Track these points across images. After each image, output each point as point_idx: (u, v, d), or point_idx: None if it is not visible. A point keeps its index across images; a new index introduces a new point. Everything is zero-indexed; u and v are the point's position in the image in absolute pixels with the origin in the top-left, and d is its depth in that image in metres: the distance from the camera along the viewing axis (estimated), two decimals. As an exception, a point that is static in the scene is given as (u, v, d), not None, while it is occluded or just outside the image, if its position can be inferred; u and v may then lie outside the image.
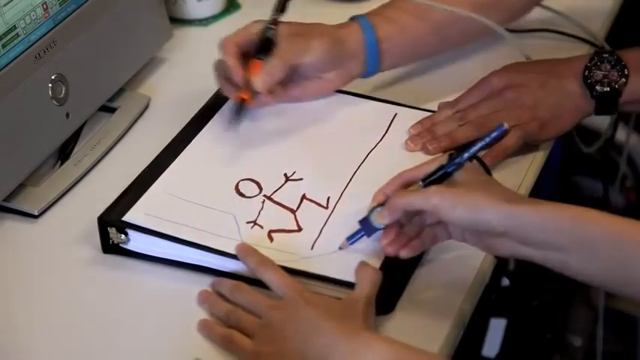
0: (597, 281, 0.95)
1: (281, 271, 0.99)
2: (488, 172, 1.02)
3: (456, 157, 0.98)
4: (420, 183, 0.99)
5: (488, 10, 1.23)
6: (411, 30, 1.22)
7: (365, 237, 1.02)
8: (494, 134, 0.98)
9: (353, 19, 1.22)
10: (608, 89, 1.16)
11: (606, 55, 1.18)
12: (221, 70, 1.18)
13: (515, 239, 0.93)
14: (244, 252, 1.01)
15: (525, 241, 0.92)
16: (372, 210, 1.00)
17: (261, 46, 1.16)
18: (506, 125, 0.98)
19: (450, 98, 1.22)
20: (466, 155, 0.98)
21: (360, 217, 1.02)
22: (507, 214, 0.92)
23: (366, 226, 1.01)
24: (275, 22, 1.17)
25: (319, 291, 0.99)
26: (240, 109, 1.15)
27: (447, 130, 1.17)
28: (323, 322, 0.92)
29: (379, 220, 0.99)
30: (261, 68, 1.15)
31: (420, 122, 1.19)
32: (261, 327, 0.95)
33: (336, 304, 0.96)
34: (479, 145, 0.98)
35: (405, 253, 0.99)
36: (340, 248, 1.03)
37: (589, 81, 1.17)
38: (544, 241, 0.92)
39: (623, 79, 1.16)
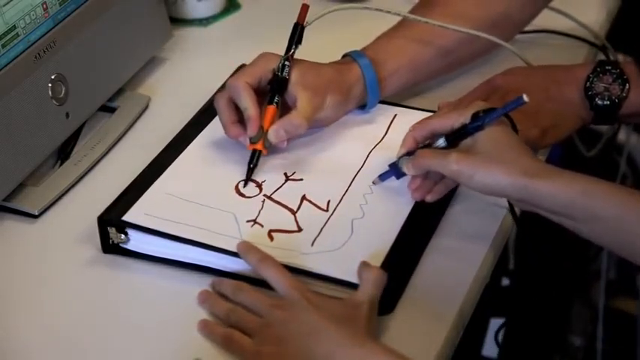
0: (607, 248, 1.03)
1: (282, 269, 0.98)
2: (515, 129, 1.04)
3: (478, 119, 1.01)
4: (443, 139, 1.04)
5: (493, 28, 1.23)
6: (414, 61, 1.21)
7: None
8: (512, 105, 1.01)
9: (353, 57, 1.19)
10: (608, 103, 1.17)
11: (609, 67, 1.17)
12: (228, 110, 1.13)
13: (530, 205, 0.99)
14: (245, 249, 1.01)
15: (540, 208, 0.99)
16: (401, 157, 1.07)
17: (275, 87, 1.13)
18: (525, 97, 1.00)
19: (450, 99, 1.22)
20: (487, 120, 1.01)
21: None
22: (522, 187, 0.98)
23: (395, 170, 1.09)
24: (291, 57, 1.13)
25: (319, 290, 0.99)
26: (255, 160, 1.11)
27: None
28: (326, 326, 0.92)
29: (407, 171, 1.07)
30: (274, 115, 1.12)
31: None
32: (262, 326, 0.95)
33: (338, 305, 0.95)
34: (498, 112, 1.01)
35: (430, 198, 1.07)
36: (373, 183, 1.10)
37: (590, 92, 1.17)
38: (557, 212, 0.98)
39: (624, 94, 1.16)
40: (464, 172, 1.00)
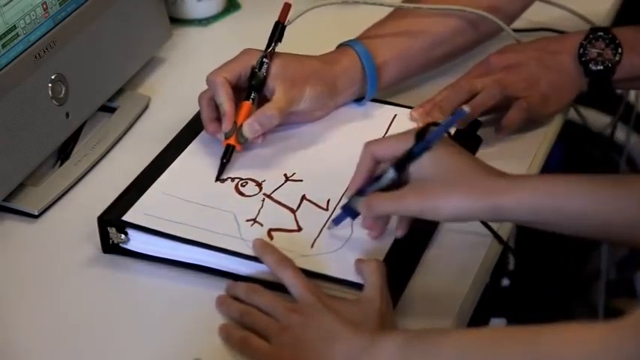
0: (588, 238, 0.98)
1: (299, 271, 0.98)
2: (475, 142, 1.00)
3: (423, 141, 0.96)
4: (391, 171, 0.97)
5: (482, 20, 1.24)
6: (404, 53, 1.22)
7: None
8: (454, 118, 0.95)
9: (348, 45, 1.20)
10: (602, 67, 1.19)
11: (601, 33, 1.20)
12: (208, 108, 1.14)
13: (502, 221, 1.01)
14: (262, 249, 1.01)
15: (511, 222, 1.00)
16: (352, 198, 1.01)
17: (253, 85, 1.13)
18: (466, 108, 0.95)
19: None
20: (432, 137, 0.95)
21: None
22: (490, 209, 0.94)
23: (349, 212, 1.02)
24: (270, 55, 1.14)
25: (319, 290, 0.99)
26: (229, 155, 1.12)
27: (452, 103, 1.19)
28: (343, 329, 0.92)
29: (364, 213, 1.00)
30: (249, 111, 1.12)
31: (420, 105, 1.20)
32: (279, 330, 0.94)
33: (353, 307, 0.95)
34: (441, 128, 0.95)
35: (400, 234, 1.01)
36: (328, 228, 1.04)
37: (583, 59, 1.19)
38: (528, 221, 0.95)
39: (617, 58, 1.19)
40: (427, 210, 0.95)
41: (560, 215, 0.94)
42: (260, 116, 1.11)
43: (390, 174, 0.98)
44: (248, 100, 1.13)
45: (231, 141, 1.12)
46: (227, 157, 1.12)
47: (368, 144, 1.01)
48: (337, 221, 1.04)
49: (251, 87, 1.13)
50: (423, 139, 0.96)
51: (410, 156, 0.96)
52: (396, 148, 0.98)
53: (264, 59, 1.14)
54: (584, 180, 0.94)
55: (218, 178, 1.11)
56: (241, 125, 1.12)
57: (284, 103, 1.13)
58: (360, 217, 1.02)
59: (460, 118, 0.95)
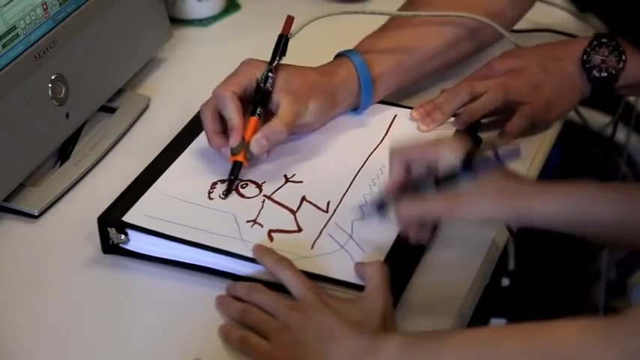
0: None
1: (298, 271, 0.98)
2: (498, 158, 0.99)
3: (471, 167, 0.96)
4: (433, 188, 0.98)
5: (478, 30, 1.24)
6: (399, 65, 1.21)
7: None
8: (508, 157, 0.96)
9: (345, 55, 1.19)
10: (605, 75, 1.19)
11: (605, 40, 1.20)
12: (212, 121, 1.12)
13: (527, 224, 0.98)
14: (261, 252, 1.01)
15: (537, 227, 0.97)
16: (387, 200, 1.01)
17: (257, 98, 1.12)
18: (520, 152, 0.96)
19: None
20: (480, 168, 0.96)
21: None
22: (518, 212, 0.95)
23: (380, 211, 1.02)
24: (275, 69, 1.13)
25: (319, 291, 0.99)
26: (236, 172, 1.10)
27: (453, 105, 1.19)
28: (342, 328, 0.92)
29: (396, 221, 1.00)
30: (256, 127, 1.11)
31: (421, 105, 1.20)
32: (279, 329, 0.94)
33: (354, 307, 0.95)
34: (492, 162, 0.96)
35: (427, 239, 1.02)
36: (358, 217, 1.05)
37: (587, 65, 1.20)
38: (555, 228, 0.96)
39: (620, 65, 1.19)
40: (457, 214, 0.97)
41: (592, 222, 0.94)
42: (267, 132, 1.10)
43: (431, 189, 0.98)
44: (254, 115, 1.12)
45: (239, 158, 1.11)
46: (235, 174, 1.10)
47: (398, 149, 1.01)
48: (366, 215, 1.05)
49: (256, 102, 1.12)
50: (469, 166, 0.96)
51: (453, 178, 0.96)
52: (426, 154, 0.99)
53: (270, 73, 1.13)
54: (616, 188, 0.97)
55: (227, 196, 1.10)
56: (249, 141, 1.11)
57: (290, 118, 1.12)
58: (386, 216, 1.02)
59: (514, 158, 0.95)
